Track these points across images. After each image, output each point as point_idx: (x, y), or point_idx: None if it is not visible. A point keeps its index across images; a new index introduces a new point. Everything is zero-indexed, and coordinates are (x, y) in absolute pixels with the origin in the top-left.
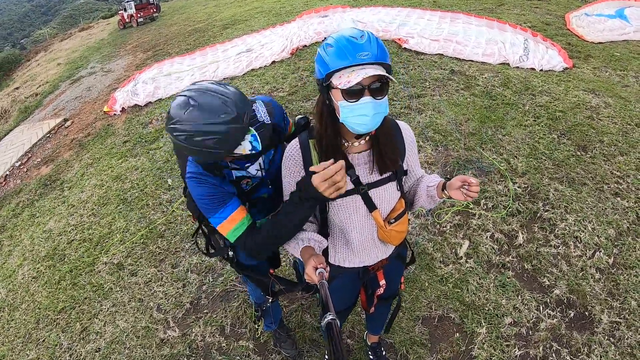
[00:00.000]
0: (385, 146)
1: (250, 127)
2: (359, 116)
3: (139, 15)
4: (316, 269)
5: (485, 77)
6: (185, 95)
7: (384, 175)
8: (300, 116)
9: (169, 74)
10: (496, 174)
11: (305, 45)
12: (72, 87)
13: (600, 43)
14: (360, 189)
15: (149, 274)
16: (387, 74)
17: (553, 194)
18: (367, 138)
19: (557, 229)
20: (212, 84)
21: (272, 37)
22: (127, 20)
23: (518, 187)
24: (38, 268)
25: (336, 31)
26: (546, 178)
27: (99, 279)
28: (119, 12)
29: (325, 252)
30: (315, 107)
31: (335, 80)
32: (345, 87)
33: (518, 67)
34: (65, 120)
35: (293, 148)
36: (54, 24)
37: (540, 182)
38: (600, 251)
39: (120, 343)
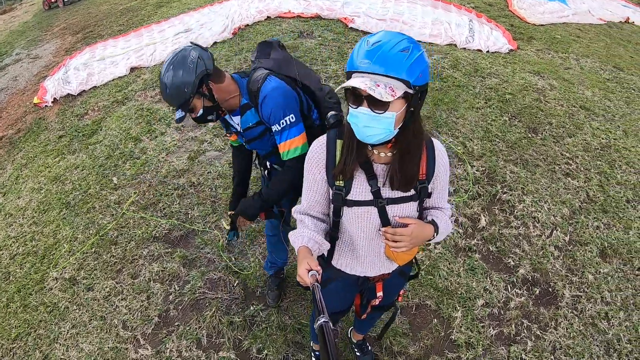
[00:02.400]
0: (402, 164)
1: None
2: (353, 123)
3: None
4: (309, 271)
5: (435, 59)
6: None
7: (407, 194)
8: (332, 113)
9: (102, 58)
10: (454, 158)
11: (248, 25)
12: None
13: (541, 25)
14: (379, 202)
15: (106, 287)
16: (371, 90)
17: (509, 176)
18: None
19: (516, 210)
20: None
21: (212, 15)
22: (52, 1)
23: (476, 170)
24: None
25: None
26: (501, 160)
27: (52, 297)
28: None
29: (329, 253)
30: None
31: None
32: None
33: (465, 48)
34: None
35: (318, 144)
36: None
37: (496, 165)
38: (557, 230)
39: None
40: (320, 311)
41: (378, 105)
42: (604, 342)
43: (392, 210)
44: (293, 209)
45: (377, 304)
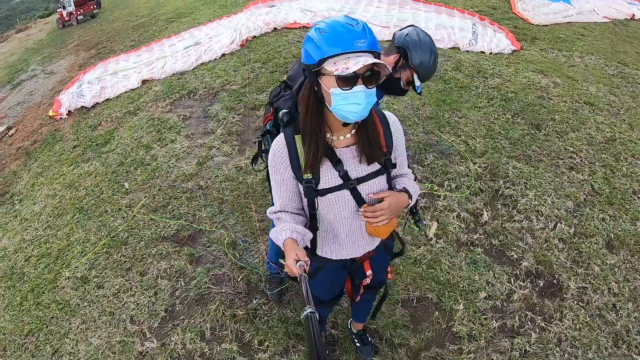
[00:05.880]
0: (373, 135)
1: None
2: (352, 104)
3: (78, 12)
4: (297, 262)
5: (438, 62)
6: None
7: (373, 169)
8: (284, 111)
9: (115, 72)
10: (456, 156)
11: (255, 36)
12: (13, 92)
13: (545, 26)
14: (350, 184)
15: (116, 284)
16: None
17: (512, 171)
18: (353, 131)
19: (519, 205)
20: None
21: (220, 29)
22: (66, 19)
23: (478, 167)
24: None
25: (326, 18)
26: (504, 157)
27: (64, 295)
28: (58, 10)
29: (313, 243)
30: (301, 94)
31: (329, 67)
32: (343, 74)
33: (468, 50)
34: (9, 128)
35: (278, 144)
36: None
37: (499, 161)
38: (561, 223)
39: None
40: (306, 302)
41: (371, 81)
42: (612, 334)
43: (364, 189)
44: (267, 211)
45: (368, 283)
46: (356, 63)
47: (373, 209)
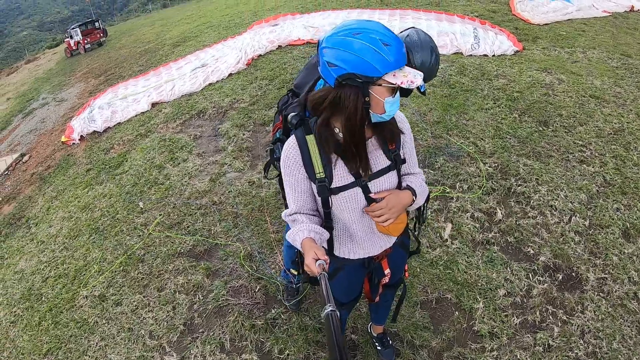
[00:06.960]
0: (387, 123)
1: None
2: (396, 107)
3: (85, 41)
4: (316, 260)
5: (442, 68)
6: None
7: (384, 165)
8: (292, 114)
9: (124, 97)
10: (466, 157)
11: (260, 55)
12: (25, 120)
13: (545, 24)
14: (362, 181)
15: (134, 301)
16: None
17: (523, 168)
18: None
19: (532, 201)
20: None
21: (225, 50)
22: (74, 48)
23: (489, 167)
24: (15, 312)
25: (360, 25)
26: (514, 155)
27: (82, 313)
28: (65, 39)
29: (330, 244)
30: (348, 106)
31: (390, 79)
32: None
33: (471, 55)
34: (23, 155)
35: (291, 146)
36: None
37: (509, 160)
38: (575, 216)
39: None
40: (326, 300)
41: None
42: (635, 323)
43: (376, 185)
44: (283, 214)
45: (387, 281)
46: (415, 76)
47: (372, 208)
